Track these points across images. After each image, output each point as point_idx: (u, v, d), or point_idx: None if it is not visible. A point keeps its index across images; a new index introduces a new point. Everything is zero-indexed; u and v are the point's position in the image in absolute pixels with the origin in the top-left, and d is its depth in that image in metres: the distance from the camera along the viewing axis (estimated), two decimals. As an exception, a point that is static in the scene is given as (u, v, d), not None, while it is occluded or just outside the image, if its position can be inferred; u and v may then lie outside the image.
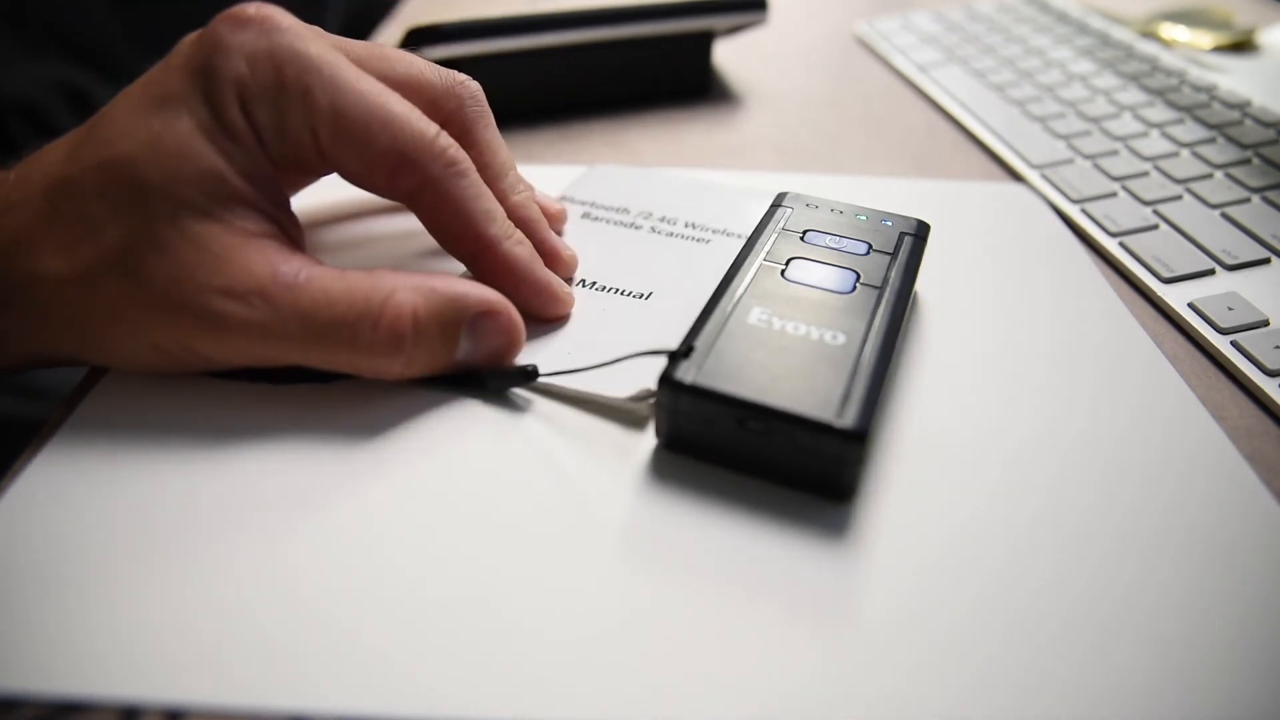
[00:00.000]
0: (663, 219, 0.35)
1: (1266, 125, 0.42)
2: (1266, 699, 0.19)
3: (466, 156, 0.26)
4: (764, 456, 0.23)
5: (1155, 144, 0.42)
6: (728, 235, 0.34)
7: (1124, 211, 0.37)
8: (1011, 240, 0.36)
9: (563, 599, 0.20)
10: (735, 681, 0.19)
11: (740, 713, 0.18)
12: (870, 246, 0.29)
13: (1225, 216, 0.36)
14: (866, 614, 0.20)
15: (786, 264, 0.28)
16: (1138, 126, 0.44)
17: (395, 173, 0.25)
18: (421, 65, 0.27)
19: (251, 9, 0.24)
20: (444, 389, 0.26)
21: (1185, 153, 0.41)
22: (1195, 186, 0.38)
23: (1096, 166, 0.41)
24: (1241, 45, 0.53)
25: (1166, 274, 0.33)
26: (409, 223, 0.34)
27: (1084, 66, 0.51)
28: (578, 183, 0.37)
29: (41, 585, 0.20)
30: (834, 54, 0.58)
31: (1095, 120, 0.45)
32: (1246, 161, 0.40)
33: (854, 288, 0.27)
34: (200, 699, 0.18)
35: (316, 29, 0.25)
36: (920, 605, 0.21)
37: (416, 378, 0.25)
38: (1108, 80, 0.49)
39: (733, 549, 0.22)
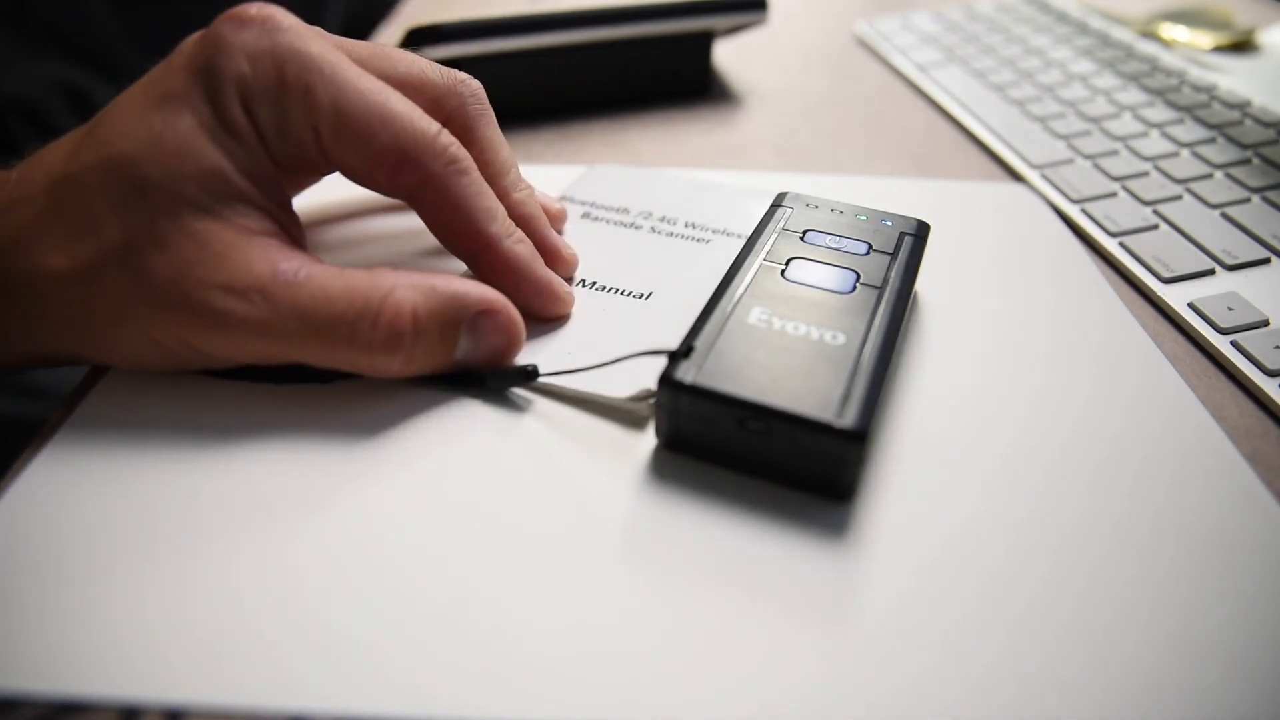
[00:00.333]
0: (663, 219, 0.35)
1: (1266, 125, 0.42)
2: (1266, 699, 0.19)
3: (468, 154, 0.26)
4: (764, 456, 0.23)
5: (1155, 144, 0.42)
6: (728, 235, 0.34)
7: (1124, 211, 0.37)
8: (1011, 240, 0.36)
9: (563, 599, 0.20)
10: (735, 681, 0.19)
11: (740, 713, 0.18)
12: (870, 246, 0.29)
13: (1225, 216, 0.36)
14: (866, 614, 0.20)
15: (786, 264, 0.28)
16: (1138, 126, 0.44)
17: (396, 171, 0.25)
18: (423, 64, 0.27)
19: (253, 9, 0.24)
20: (444, 388, 0.26)
21: (1185, 153, 0.41)
22: (1195, 186, 0.38)
23: (1096, 166, 0.41)
24: (1241, 45, 0.53)
25: (1166, 274, 0.33)
26: (410, 221, 0.34)
27: (1084, 66, 0.51)
28: (578, 183, 0.37)
29: (41, 585, 0.20)
30: (834, 54, 0.58)
31: (1095, 120, 0.45)
32: (1246, 161, 0.40)
33: (854, 288, 0.27)
34: (200, 699, 0.18)
35: (318, 29, 0.25)
36: (920, 605, 0.21)
37: (416, 376, 0.25)
38: (1108, 80, 0.49)
39: (733, 549, 0.22)
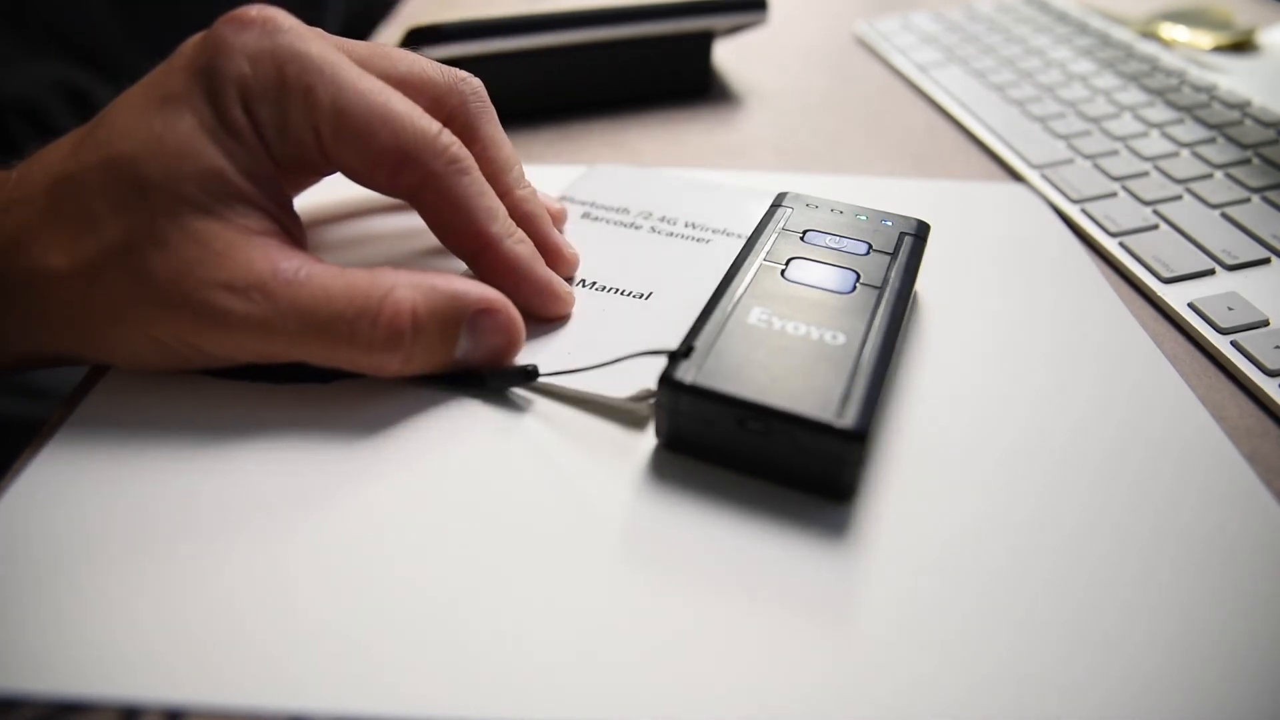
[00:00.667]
0: (663, 219, 0.35)
1: (1266, 125, 0.42)
2: (1267, 699, 0.19)
3: (468, 154, 0.26)
4: (764, 456, 0.23)
5: (1155, 144, 0.42)
6: (728, 235, 0.34)
7: (1124, 211, 0.37)
8: (1011, 240, 0.36)
9: (562, 599, 0.20)
10: (735, 681, 0.19)
11: (740, 713, 0.18)
12: (870, 246, 0.29)
13: (1225, 216, 0.36)
14: (866, 614, 0.20)
15: (786, 264, 0.28)
16: (1138, 126, 0.44)
17: (397, 170, 0.25)
18: (424, 64, 0.27)
19: (254, 10, 0.24)
20: (443, 388, 0.26)
21: (1185, 153, 0.41)
22: (1195, 186, 0.38)
23: (1096, 166, 0.41)
24: (1241, 45, 0.53)
25: (1166, 274, 0.33)
26: (410, 221, 0.34)
27: (1084, 66, 0.51)
28: (578, 183, 0.37)
29: (41, 585, 0.20)
30: (834, 54, 0.58)
31: (1095, 120, 0.45)
32: (1246, 161, 0.40)
33: (854, 288, 0.27)
34: (200, 699, 0.18)
35: (318, 30, 0.25)
36: (920, 605, 0.21)
37: (416, 376, 0.25)
38: (1108, 80, 0.49)
39: (733, 549, 0.22)
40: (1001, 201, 0.39)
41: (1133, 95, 0.47)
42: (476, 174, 0.26)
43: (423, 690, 0.18)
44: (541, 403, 0.26)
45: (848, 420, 0.22)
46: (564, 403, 0.26)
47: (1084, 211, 0.38)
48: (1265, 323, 0.30)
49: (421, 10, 0.62)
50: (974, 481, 0.24)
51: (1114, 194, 0.39)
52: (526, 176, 0.30)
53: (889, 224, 0.30)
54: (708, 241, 0.33)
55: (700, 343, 0.24)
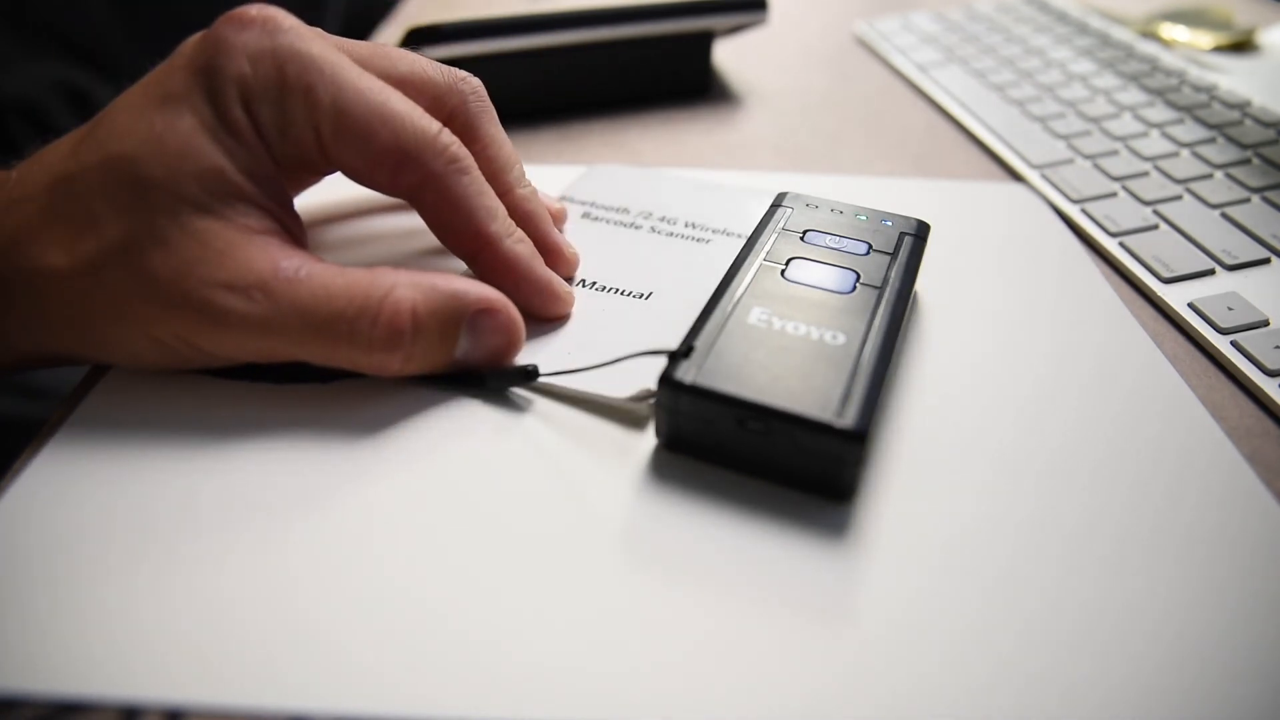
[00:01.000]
0: (663, 219, 0.35)
1: (1266, 125, 0.42)
2: (1267, 699, 0.19)
3: (468, 153, 0.26)
4: (764, 456, 0.23)
5: (1155, 144, 0.42)
6: (728, 235, 0.34)
7: (1124, 211, 0.37)
8: (1011, 240, 0.36)
9: (562, 599, 0.20)
10: (735, 681, 0.19)
11: (740, 713, 0.18)
12: (870, 246, 0.29)
13: (1225, 216, 0.36)
14: (866, 614, 0.20)
15: (786, 264, 0.28)
16: (1138, 126, 0.44)
17: (397, 170, 0.25)
18: (424, 63, 0.27)
19: (254, 10, 0.24)
20: (444, 388, 0.26)
21: (1185, 153, 0.41)
22: (1195, 186, 0.38)
23: (1096, 166, 0.41)
24: (1241, 45, 0.53)
25: (1166, 274, 0.33)
26: (411, 221, 0.34)
27: (1084, 66, 0.51)
28: (578, 183, 0.37)
29: (41, 585, 0.20)
30: (834, 54, 0.58)
31: (1095, 120, 0.45)
32: (1246, 161, 0.40)
33: (854, 288, 0.27)
34: (200, 699, 0.18)
35: (318, 30, 0.25)
36: (920, 605, 0.21)
37: (416, 376, 0.25)
38: (1108, 80, 0.49)
39: (733, 549, 0.22)
40: (1001, 201, 0.39)
41: (1133, 95, 0.47)
42: (476, 173, 0.26)
43: (422, 690, 0.18)
44: (541, 403, 0.26)
45: (848, 420, 0.22)
46: (564, 403, 0.26)
47: (1084, 211, 0.38)
48: (1265, 323, 0.30)
49: (421, 10, 0.62)
50: (974, 481, 0.24)
51: (1114, 194, 0.39)
52: (527, 176, 0.30)
53: (889, 224, 0.30)
54: (708, 241, 0.33)
55: (700, 343, 0.24)
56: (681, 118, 0.47)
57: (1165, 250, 0.34)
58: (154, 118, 0.23)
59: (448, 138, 0.25)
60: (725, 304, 0.25)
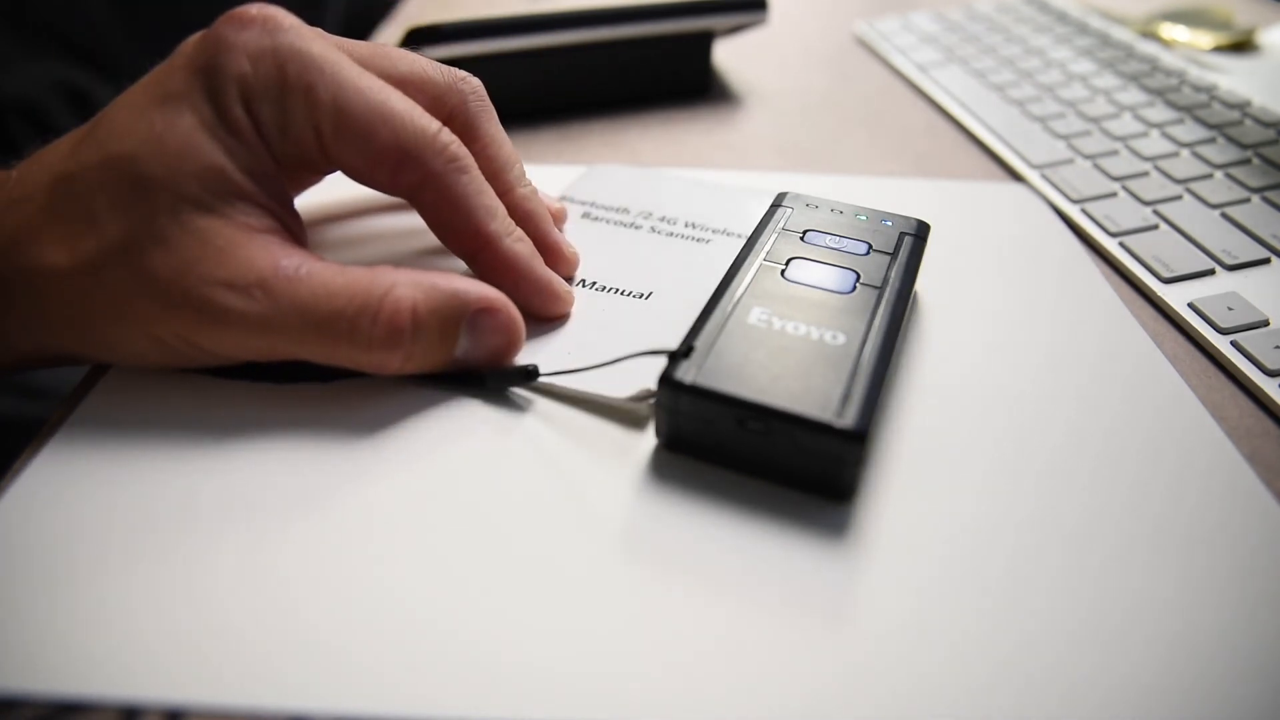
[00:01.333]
0: (663, 219, 0.35)
1: (1266, 125, 0.42)
2: (1267, 699, 0.19)
3: (468, 153, 0.26)
4: (764, 456, 0.23)
5: (1155, 144, 0.42)
6: (728, 235, 0.34)
7: (1124, 211, 0.37)
8: (1011, 240, 0.36)
9: (562, 599, 0.20)
10: (735, 681, 0.19)
11: (740, 713, 0.18)
12: (870, 246, 0.29)
13: (1225, 216, 0.36)
14: (866, 614, 0.20)
15: (786, 264, 0.28)
16: (1138, 126, 0.44)
17: (397, 169, 0.25)
18: (423, 63, 0.27)
19: (254, 9, 0.24)
20: (444, 388, 0.26)
21: (1185, 153, 0.41)
22: (1195, 186, 0.38)
23: (1096, 166, 0.41)
24: (1241, 45, 0.53)
25: (1166, 274, 0.33)
26: (411, 220, 0.34)
27: (1084, 66, 0.51)
28: (578, 183, 0.37)
29: (41, 585, 0.20)
30: (834, 54, 0.58)
31: (1095, 120, 0.45)
32: (1246, 161, 0.40)
33: (854, 288, 0.27)
34: (200, 699, 0.18)
35: (318, 30, 0.25)
36: (920, 605, 0.21)
37: (416, 375, 0.25)
38: (1108, 80, 0.49)
39: (733, 549, 0.22)
40: (1001, 201, 0.39)
41: (1133, 95, 0.47)
42: (475, 173, 0.26)
43: (422, 690, 0.18)
44: (541, 403, 0.26)
45: (848, 420, 0.22)
46: (564, 403, 0.26)
47: (1084, 211, 0.38)
48: (1265, 323, 0.30)
49: (421, 10, 0.62)
50: (974, 482, 0.24)
51: (1114, 194, 0.39)
52: (527, 175, 0.30)
53: (889, 224, 0.30)
54: (708, 241, 0.33)
55: (700, 343, 0.24)
56: (681, 118, 0.47)
57: (1165, 250, 0.34)
58: (154, 117, 0.23)
59: (447, 137, 0.25)
60: (725, 304, 0.25)
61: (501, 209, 0.27)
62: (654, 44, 0.46)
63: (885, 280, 0.27)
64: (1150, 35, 0.55)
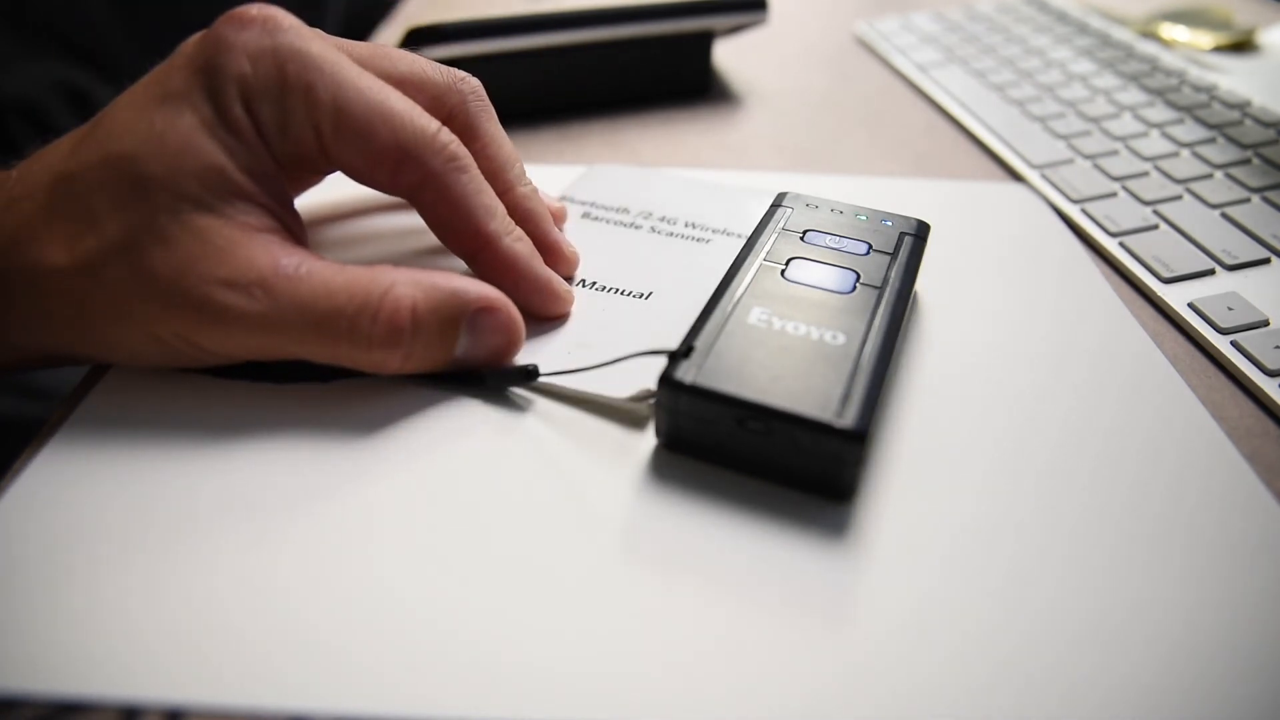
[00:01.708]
0: (663, 219, 0.35)
1: (1266, 125, 0.42)
2: (1267, 699, 0.19)
3: (467, 152, 0.26)
4: (764, 456, 0.23)
5: (1155, 144, 0.42)
6: (728, 235, 0.34)
7: (1124, 211, 0.37)
8: (1011, 240, 0.36)
9: (562, 598, 0.20)
10: (735, 681, 0.19)
11: (740, 713, 0.18)
12: (870, 246, 0.29)
13: (1225, 216, 0.36)
14: (866, 614, 0.20)
15: (786, 264, 0.28)
16: (1138, 126, 0.44)
17: (397, 168, 0.25)
18: (423, 63, 0.27)
19: (254, 9, 0.24)
20: (444, 388, 0.26)
21: (1185, 153, 0.41)
22: (1195, 186, 0.38)
23: (1096, 166, 0.41)
24: (1241, 45, 0.53)
25: (1166, 274, 0.33)
26: (411, 220, 0.34)
27: (1084, 66, 0.51)
28: (578, 183, 0.37)
29: (41, 585, 0.20)
30: (834, 54, 0.58)
31: (1095, 120, 0.45)
32: (1246, 161, 0.40)
33: (854, 288, 0.27)
34: (200, 699, 0.18)
35: (317, 30, 0.25)
36: (920, 605, 0.21)
37: (416, 374, 0.25)
38: (1108, 80, 0.49)
39: (733, 549, 0.22)
40: (1001, 201, 0.39)
41: (1133, 95, 0.47)
42: (475, 172, 0.26)
43: (422, 690, 0.18)
44: (541, 403, 0.26)
45: (848, 420, 0.22)
46: (564, 403, 0.26)
47: (1084, 211, 0.38)
48: (1265, 323, 0.30)
49: (421, 10, 0.62)
50: (974, 482, 0.24)
51: (1114, 194, 0.39)
52: (527, 174, 0.30)
53: (889, 224, 0.30)
54: (708, 241, 0.33)
55: (700, 343, 0.24)
56: (681, 118, 0.47)
57: (1165, 250, 0.34)
58: (154, 116, 0.23)
59: (447, 136, 0.25)
60: (725, 304, 0.25)
61: (501, 208, 0.27)
62: (654, 44, 0.46)
63: (885, 280, 0.27)
64: (1150, 35, 0.55)
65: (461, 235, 0.26)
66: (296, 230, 0.25)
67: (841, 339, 0.24)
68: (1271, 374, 0.28)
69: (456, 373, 0.26)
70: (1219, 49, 0.53)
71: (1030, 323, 0.31)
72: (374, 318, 0.23)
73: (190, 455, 0.23)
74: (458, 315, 0.24)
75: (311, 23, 0.25)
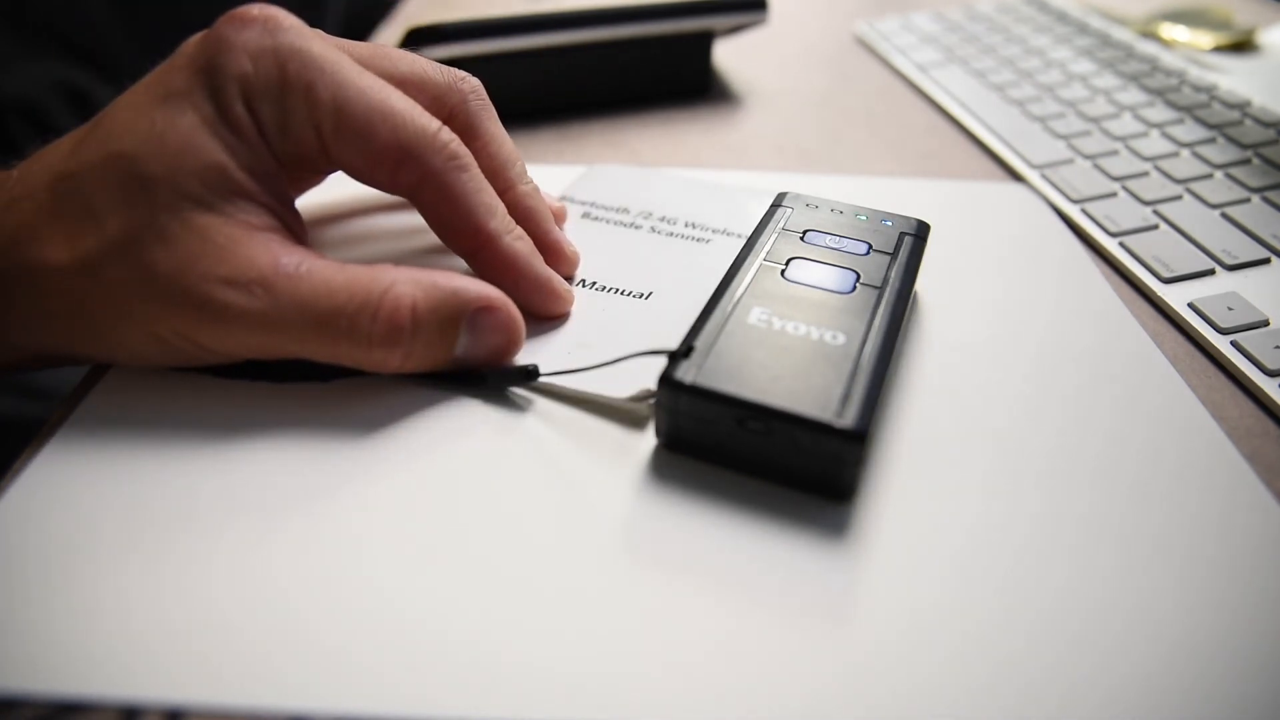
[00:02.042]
0: (663, 219, 0.35)
1: (1266, 125, 0.42)
2: (1267, 699, 0.19)
3: (468, 151, 0.26)
4: (764, 456, 0.23)
5: (1155, 144, 0.42)
6: (728, 235, 0.34)
7: (1124, 211, 0.37)
8: (1011, 240, 0.36)
9: (562, 598, 0.20)
10: (735, 681, 0.19)
11: (740, 713, 0.18)
12: (870, 246, 0.29)
13: (1225, 216, 0.36)
14: (866, 614, 0.20)
15: (786, 264, 0.28)
16: (1138, 126, 0.44)
17: (397, 167, 0.25)
18: (423, 63, 0.27)
19: (255, 9, 0.24)
20: (444, 387, 0.26)
21: (1185, 153, 0.41)
22: (1195, 186, 0.38)
23: (1096, 166, 0.41)
24: (1241, 45, 0.53)
25: (1166, 274, 0.33)
26: (411, 219, 0.34)
27: (1084, 66, 0.51)
28: (578, 183, 0.37)
29: (42, 585, 0.20)
30: (834, 54, 0.58)
31: (1095, 120, 0.45)
32: (1246, 161, 0.40)
33: (854, 288, 0.27)
34: (200, 699, 0.18)
35: (318, 31, 0.25)
36: (920, 605, 0.21)
37: (416, 373, 0.25)
38: (1108, 80, 0.49)
39: (733, 549, 0.22)
40: (1001, 201, 0.39)
41: (1133, 95, 0.47)
42: (475, 171, 0.26)
43: (422, 690, 0.18)
44: (541, 403, 0.26)
45: (848, 420, 0.22)
46: (564, 403, 0.26)
47: (1084, 211, 0.38)
48: (1265, 323, 0.30)
49: (421, 10, 0.62)
50: (974, 482, 0.24)
51: (1114, 194, 0.39)
52: (528, 173, 0.30)
53: (889, 224, 0.30)
54: (708, 241, 0.33)
55: (700, 343, 0.24)
56: (681, 118, 0.47)
57: (1165, 250, 0.34)
58: (155, 115, 0.23)
59: (447, 135, 0.26)
60: (725, 304, 0.25)
61: (501, 207, 0.27)
62: (654, 44, 0.46)
63: (885, 280, 0.27)
64: (1150, 35, 0.55)
65: (462, 234, 0.26)
66: (297, 229, 0.25)
67: (841, 339, 0.24)
68: (1271, 374, 0.28)
69: (456, 372, 0.26)
70: (1219, 49, 0.53)
71: (1030, 323, 0.31)
72: (374, 316, 0.23)
73: (190, 455, 0.23)
74: (458, 314, 0.24)
75: (311, 23, 0.25)
